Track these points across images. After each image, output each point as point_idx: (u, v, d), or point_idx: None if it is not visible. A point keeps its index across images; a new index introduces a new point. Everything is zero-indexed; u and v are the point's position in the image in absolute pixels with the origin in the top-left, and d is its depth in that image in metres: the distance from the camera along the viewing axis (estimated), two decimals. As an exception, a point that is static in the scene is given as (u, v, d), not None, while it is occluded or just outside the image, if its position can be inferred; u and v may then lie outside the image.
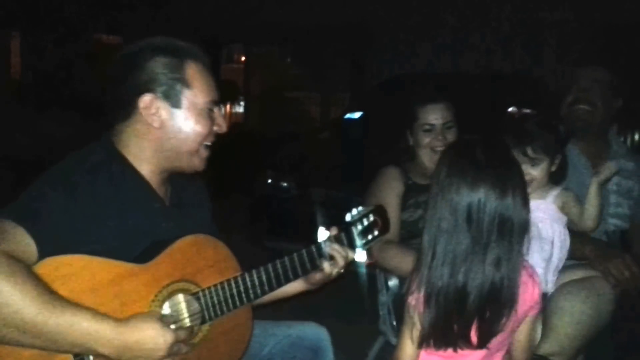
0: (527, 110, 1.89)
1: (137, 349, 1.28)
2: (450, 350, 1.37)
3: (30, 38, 9.71)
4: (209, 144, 1.53)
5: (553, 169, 1.85)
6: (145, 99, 1.43)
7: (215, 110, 1.52)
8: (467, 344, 1.34)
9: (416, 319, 1.37)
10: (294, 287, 1.69)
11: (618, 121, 2.44)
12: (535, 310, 1.42)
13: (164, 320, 1.33)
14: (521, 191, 1.31)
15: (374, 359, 2.45)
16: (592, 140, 2.34)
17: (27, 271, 1.21)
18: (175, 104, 1.45)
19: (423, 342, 1.36)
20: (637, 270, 1.85)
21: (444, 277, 1.31)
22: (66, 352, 1.26)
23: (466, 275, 1.29)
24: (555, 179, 1.89)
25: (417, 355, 1.42)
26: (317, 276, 1.64)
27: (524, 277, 1.36)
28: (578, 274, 1.85)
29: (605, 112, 2.31)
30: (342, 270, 1.65)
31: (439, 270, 1.31)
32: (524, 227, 1.31)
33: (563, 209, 1.84)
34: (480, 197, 1.28)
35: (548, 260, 1.79)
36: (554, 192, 1.85)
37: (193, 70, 1.46)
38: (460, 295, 1.30)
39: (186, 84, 1.45)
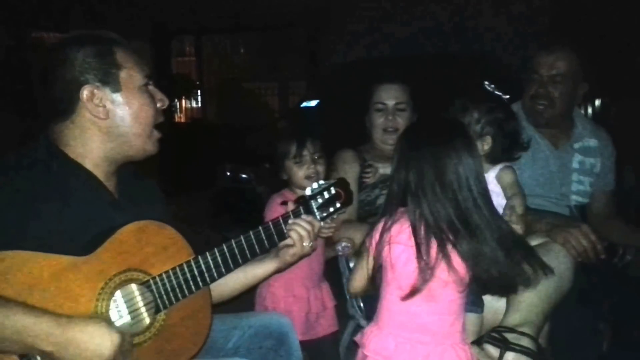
0: (498, 92, 1.92)
1: (78, 348, 1.20)
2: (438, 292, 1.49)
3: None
4: (159, 121, 1.51)
5: (486, 147, 1.90)
6: (87, 91, 1.40)
7: (151, 86, 1.51)
8: (451, 269, 1.47)
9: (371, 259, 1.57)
10: (264, 269, 1.67)
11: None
12: None
13: (115, 326, 1.27)
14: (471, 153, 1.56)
15: (347, 344, 2.45)
16: (556, 124, 2.35)
17: None
18: (115, 88, 1.44)
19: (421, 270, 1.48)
20: (595, 239, 1.85)
21: (448, 209, 1.49)
22: (6, 350, 1.19)
23: (467, 208, 1.50)
24: (491, 159, 1.93)
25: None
26: (290, 252, 1.63)
27: None
28: (534, 242, 1.85)
29: (566, 103, 2.31)
30: (312, 243, 1.64)
31: (438, 204, 1.50)
32: (482, 181, 1.56)
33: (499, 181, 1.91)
34: (455, 160, 1.51)
35: None
36: (499, 166, 1.91)
37: (121, 52, 1.45)
38: (464, 222, 1.49)
39: (119, 66, 1.44)
